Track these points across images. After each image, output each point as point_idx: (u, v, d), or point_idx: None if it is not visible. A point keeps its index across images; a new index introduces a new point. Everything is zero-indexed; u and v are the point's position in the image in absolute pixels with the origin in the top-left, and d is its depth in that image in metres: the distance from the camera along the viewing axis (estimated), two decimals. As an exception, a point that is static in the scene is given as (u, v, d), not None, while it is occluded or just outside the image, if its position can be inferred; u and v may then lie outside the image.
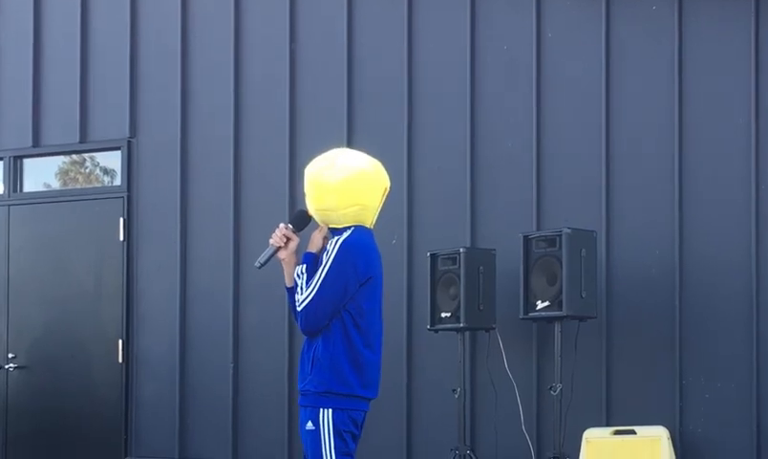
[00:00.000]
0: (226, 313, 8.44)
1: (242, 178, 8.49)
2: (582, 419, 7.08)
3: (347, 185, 4.45)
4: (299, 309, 4.44)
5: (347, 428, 4.47)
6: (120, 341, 8.77)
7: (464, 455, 7.18)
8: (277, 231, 4.52)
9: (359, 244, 4.46)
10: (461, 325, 7.18)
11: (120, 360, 8.76)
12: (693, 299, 7.09)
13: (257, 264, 4.55)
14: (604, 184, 7.33)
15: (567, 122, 7.50)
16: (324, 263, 4.42)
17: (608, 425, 7.19)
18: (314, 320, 4.41)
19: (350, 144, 7.89)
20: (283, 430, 8.17)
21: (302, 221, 4.56)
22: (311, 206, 4.52)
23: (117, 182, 9.02)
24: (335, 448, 4.43)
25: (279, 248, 4.51)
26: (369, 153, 4.64)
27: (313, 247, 4.53)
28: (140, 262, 8.78)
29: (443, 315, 7.27)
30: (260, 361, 8.34)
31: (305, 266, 4.48)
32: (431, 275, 7.35)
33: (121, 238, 8.82)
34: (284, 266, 4.53)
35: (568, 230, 6.79)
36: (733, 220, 7.06)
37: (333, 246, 4.42)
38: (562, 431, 6.81)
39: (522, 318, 7.00)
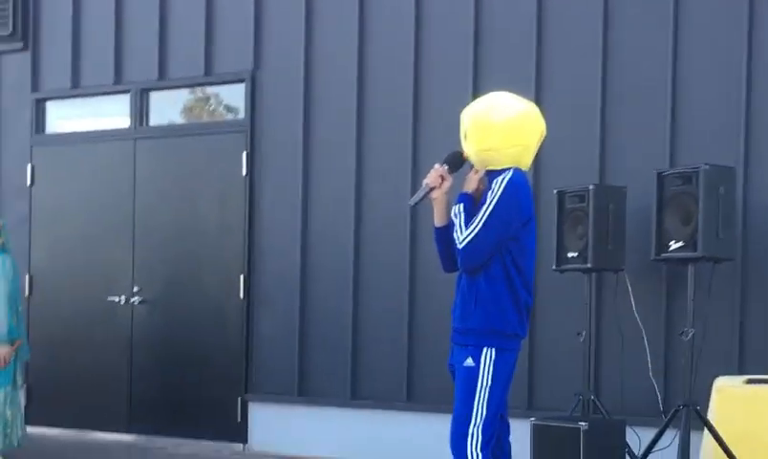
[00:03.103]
0: (347, 251, 8.31)
1: (365, 113, 8.31)
2: (713, 367, 6.72)
3: (510, 125, 4.52)
4: (460, 246, 4.48)
5: (507, 367, 4.52)
6: (242, 277, 8.73)
7: (588, 401, 6.91)
8: (432, 172, 4.60)
9: (523, 183, 4.53)
10: (589, 266, 6.89)
11: (242, 297, 8.73)
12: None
13: (411, 202, 4.69)
14: (743, 119, 6.93)
15: (705, 54, 7.10)
16: (489, 200, 4.47)
17: (740, 373, 6.83)
18: (477, 257, 4.46)
19: (476, 85, 7.66)
20: (402, 370, 8.03)
21: (457, 162, 4.65)
22: (473, 146, 4.57)
23: (241, 116, 8.95)
24: (491, 386, 4.47)
25: (433, 188, 4.59)
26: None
27: (469, 187, 4.61)
28: (263, 197, 8.71)
29: (570, 255, 6.99)
30: (380, 301, 8.19)
31: (462, 205, 4.55)
32: (558, 213, 7.08)
33: (244, 173, 8.76)
34: (435, 205, 4.63)
35: (706, 167, 6.40)
36: None
37: (499, 184, 4.47)
38: (692, 379, 6.46)
39: (654, 260, 6.65)
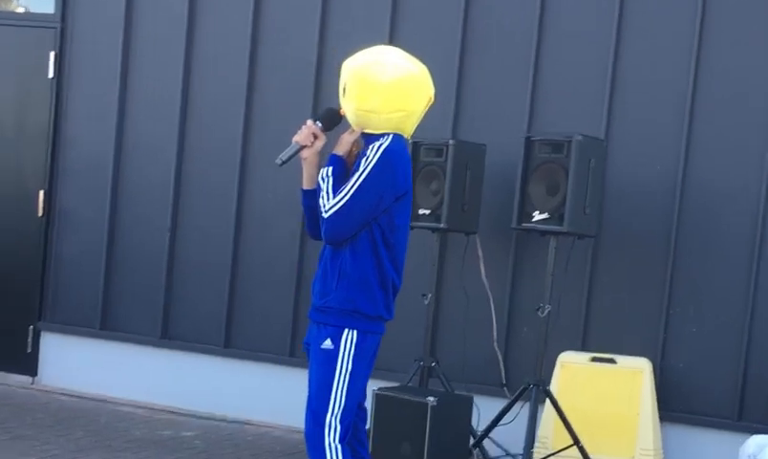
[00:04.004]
0: (168, 169, 7.56)
1: (196, 14, 7.52)
2: (557, 342, 6.55)
3: (396, 88, 4.04)
4: (325, 216, 4.01)
5: (369, 352, 4.13)
6: (42, 192, 7.82)
7: (429, 368, 6.59)
8: (304, 128, 4.13)
9: (401, 153, 4.07)
10: (441, 226, 6.53)
11: (41, 214, 7.82)
12: (693, 225, 6.55)
13: (278, 161, 4.13)
14: (608, 92, 6.69)
15: (574, 29, 6.79)
16: (362, 169, 4.00)
17: (583, 350, 6.70)
18: (342, 229, 4.01)
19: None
20: (221, 310, 7.43)
21: (332, 120, 4.19)
22: (351, 104, 4.08)
23: (50, 9, 7.91)
24: (352, 371, 4.06)
25: (304, 146, 4.12)
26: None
27: (341, 149, 4.14)
28: (71, 104, 7.80)
29: (421, 211, 6.59)
30: (202, 230, 7.52)
31: (331, 168, 4.08)
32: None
33: (51, 75, 7.79)
34: (305, 166, 4.15)
35: (580, 137, 6.11)
36: (744, 143, 6.46)
37: (375, 151, 4.00)
38: (543, 356, 6.23)
39: (515, 228, 6.34)
